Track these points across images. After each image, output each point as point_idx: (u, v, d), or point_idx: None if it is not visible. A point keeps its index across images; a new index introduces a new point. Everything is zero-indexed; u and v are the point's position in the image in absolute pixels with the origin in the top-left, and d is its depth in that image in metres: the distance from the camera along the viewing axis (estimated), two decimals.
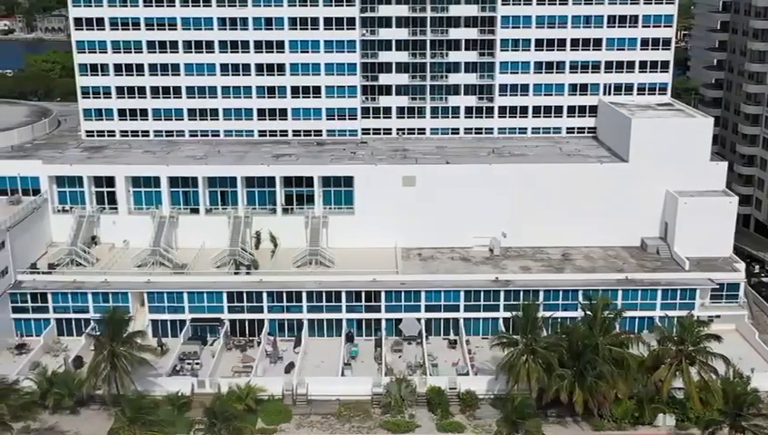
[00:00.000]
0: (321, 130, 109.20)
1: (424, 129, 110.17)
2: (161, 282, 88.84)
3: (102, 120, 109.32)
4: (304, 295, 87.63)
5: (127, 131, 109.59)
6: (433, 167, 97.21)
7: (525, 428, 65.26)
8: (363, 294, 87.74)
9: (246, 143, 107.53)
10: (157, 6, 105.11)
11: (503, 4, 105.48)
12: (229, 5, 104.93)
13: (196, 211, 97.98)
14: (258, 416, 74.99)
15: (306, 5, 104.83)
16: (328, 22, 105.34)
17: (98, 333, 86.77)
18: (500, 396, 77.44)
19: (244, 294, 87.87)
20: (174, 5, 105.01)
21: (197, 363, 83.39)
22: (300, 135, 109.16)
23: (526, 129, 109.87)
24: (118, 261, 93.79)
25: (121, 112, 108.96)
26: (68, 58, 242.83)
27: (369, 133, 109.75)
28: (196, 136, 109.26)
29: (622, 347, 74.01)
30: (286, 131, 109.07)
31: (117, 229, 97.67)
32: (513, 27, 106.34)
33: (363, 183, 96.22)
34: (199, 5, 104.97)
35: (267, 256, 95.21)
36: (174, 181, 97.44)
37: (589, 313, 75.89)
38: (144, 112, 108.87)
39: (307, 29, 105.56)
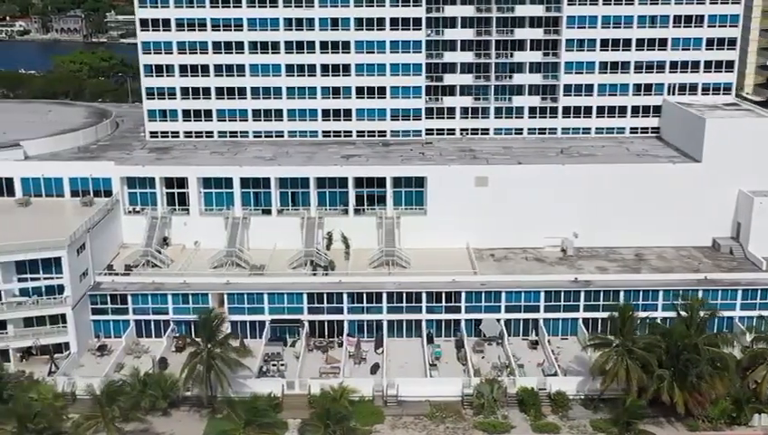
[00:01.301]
0: (385, 131, 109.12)
1: (487, 129, 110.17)
2: (241, 283, 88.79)
3: (167, 120, 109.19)
4: (384, 296, 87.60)
5: (191, 132, 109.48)
6: (506, 167, 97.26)
7: (636, 429, 65.23)
8: (444, 295, 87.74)
9: (311, 144, 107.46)
10: (223, 7, 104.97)
11: (568, 5, 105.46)
12: (296, 6, 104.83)
13: (267, 212, 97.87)
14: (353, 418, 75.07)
15: (373, 6, 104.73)
16: (394, 22, 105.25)
17: (177, 335, 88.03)
18: (592, 396, 77.62)
19: (325, 295, 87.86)
20: (240, 6, 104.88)
21: (282, 365, 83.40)
22: (364, 135, 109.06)
23: (590, 129, 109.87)
24: (192, 262, 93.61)
25: (186, 113, 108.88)
26: (95, 59, 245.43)
27: (432, 134, 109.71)
28: (260, 137, 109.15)
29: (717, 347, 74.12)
30: (350, 132, 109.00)
31: (188, 230, 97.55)
32: (578, 27, 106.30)
33: (436, 184, 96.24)
34: (266, 6, 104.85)
35: (339, 256, 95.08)
36: (245, 182, 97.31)
37: (683, 313, 75.91)
38: (208, 113, 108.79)
39: (373, 29, 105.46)
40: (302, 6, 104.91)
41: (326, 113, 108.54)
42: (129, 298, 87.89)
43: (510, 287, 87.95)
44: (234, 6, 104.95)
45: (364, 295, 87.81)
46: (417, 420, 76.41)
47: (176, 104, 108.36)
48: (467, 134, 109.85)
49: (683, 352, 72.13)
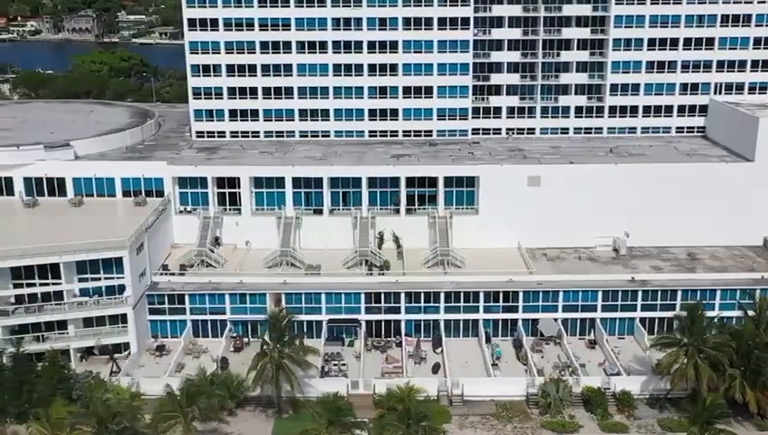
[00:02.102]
0: (431, 131, 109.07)
1: (533, 129, 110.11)
2: (298, 283, 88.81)
3: (213, 120, 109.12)
4: (442, 296, 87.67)
5: (237, 132, 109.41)
6: (559, 167, 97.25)
7: (715, 429, 65.25)
8: (501, 295, 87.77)
9: (357, 144, 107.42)
10: (271, 7, 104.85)
11: (616, 4, 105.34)
12: (344, 6, 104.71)
13: (319, 212, 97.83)
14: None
15: (421, 6, 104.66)
16: (442, 22, 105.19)
17: (234, 335, 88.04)
18: (657, 396, 77.72)
19: (382, 295, 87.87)
20: (288, 6, 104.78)
21: (344, 364, 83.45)
22: (410, 135, 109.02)
23: (635, 128, 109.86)
24: (245, 262, 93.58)
25: (232, 113, 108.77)
26: (114, 59, 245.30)
27: (477, 133, 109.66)
28: (306, 136, 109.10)
29: None
30: (396, 132, 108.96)
31: (239, 230, 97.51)
32: (626, 27, 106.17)
33: (488, 183, 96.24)
34: (314, 6, 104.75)
35: (389, 256, 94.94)
36: (296, 182, 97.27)
37: (751, 312, 75.97)
38: (255, 113, 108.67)
39: (421, 29, 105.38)
40: (350, 6, 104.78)
41: (372, 113, 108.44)
42: (187, 298, 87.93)
43: (567, 287, 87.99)
44: (282, 6, 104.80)
45: (422, 295, 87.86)
46: (484, 419, 76.47)
47: (222, 104, 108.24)
48: (513, 134, 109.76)
49: (754, 351, 72.12)
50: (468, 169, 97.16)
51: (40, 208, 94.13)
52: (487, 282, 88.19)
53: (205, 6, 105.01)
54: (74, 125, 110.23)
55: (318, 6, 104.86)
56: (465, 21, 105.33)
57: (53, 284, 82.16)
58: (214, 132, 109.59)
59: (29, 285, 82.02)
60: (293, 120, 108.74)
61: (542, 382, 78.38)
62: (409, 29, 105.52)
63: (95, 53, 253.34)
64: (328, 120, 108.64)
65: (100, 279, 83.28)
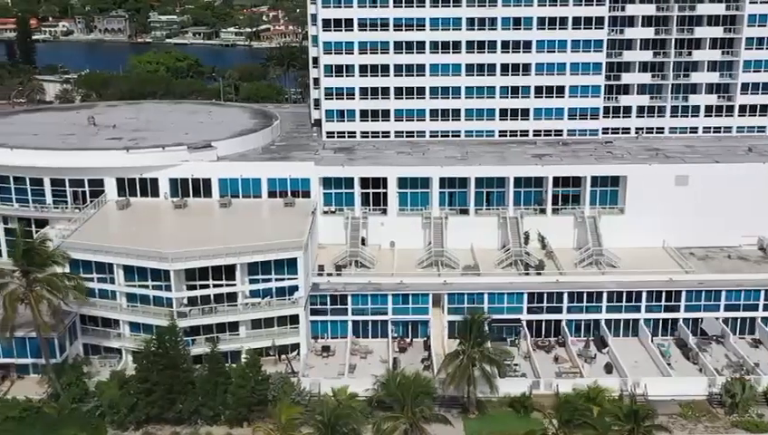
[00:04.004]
0: (561, 130, 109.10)
1: (662, 128, 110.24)
2: (459, 283, 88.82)
3: (344, 121, 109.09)
4: (604, 296, 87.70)
5: (367, 132, 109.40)
6: (706, 166, 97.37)
7: None
8: (663, 294, 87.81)
9: (489, 143, 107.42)
10: (407, 7, 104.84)
11: (750, 3, 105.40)
12: (479, 6, 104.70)
13: (465, 212, 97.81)
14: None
15: (556, 5, 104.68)
16: (576, 21, 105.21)
17: (396, 335, 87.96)
18: None
19: (545, 295, 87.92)
20: (424, 6, 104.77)
21: (516, 364, 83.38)
22: (540, 134, 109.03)
23: (765, 127, 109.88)
24: (396, 262, 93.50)
25: (363, 113, 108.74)
26: (170, 59, 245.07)
27: (607, 132, 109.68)
28: (437, 136, 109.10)
29: None
30: (527, 131, 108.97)
31: (384, 231, 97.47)
32: (759, 26, 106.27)
33: (636, 182, 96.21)
34: (449, 6, 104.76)
35: (537, 256, 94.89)
36: (441, 182, 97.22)
37: None
38: (386, 113, 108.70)
39: (555, 29, 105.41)
40: (485, 6, 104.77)
41: (503, 113, 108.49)
42: (349, 298, 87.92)
43: (729, 286, 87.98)
44: (417, 6, 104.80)
45: (584, 295, 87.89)
46: (671, 419, 76.29)
47: (354, 104, 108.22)
48: (642, 133, 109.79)
49: None
50: (615, 169, 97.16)
51: (190, 209, 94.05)
52: (648, 281, 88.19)
53: (340, 7, 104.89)
54: (202, 126, 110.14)
55: (453, 6, 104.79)
56: (600, 20, 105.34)
57: (227, 285, 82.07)
58: (344, 132, 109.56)
59: (202, 287, 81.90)
60: (424, 120, 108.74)
61: (723, 382, 78.34)
62: (543, 29, 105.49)
63: (150, 54, 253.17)
64: (459, 119, 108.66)
65: (271, 280, 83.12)
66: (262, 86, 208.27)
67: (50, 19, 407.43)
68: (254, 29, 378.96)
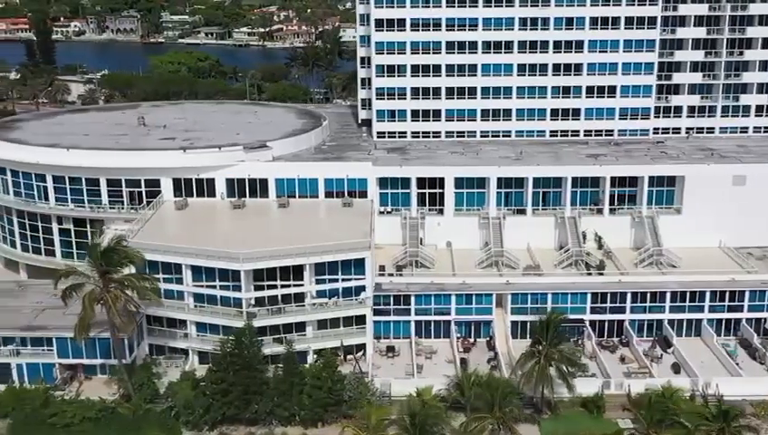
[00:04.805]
0: (612, 130, 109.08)
1: (713, 128, 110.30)
2: (522, 283, 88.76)
3: (395, 121, 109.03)
4: (668, 296, 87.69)
5: (418, 132, 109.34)
6: (764, 166, 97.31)
7: None
8: (727, 294, 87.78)
9: (540, 143, 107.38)
10: (459, 7, 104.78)
11: None
12: (531, 6, 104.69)
13: (522, 212, 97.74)
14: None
15: (609, 5, 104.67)
16: (629, 21, 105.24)
17: (459, 336, 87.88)
18: None
19: (608, 295, 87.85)
20: (477, 6, 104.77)
21: (583, 364, 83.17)
22: (590, 134, 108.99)
23: None
24: (455, 263, 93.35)
25: (414, 113, 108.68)
26: (191, 59, 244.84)
27: (657, 132, 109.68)
28: (487, 136, 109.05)
29: None
30: (577, 131, 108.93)
31: (440, 231, 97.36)
32: None
33: (694, 182, 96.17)
34: (502, 6, 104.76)
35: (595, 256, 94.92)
36: (497, 182, 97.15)
37: None
38: (437, 113, 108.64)
39: (607, 29, 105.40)
40: (537, 6, 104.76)
41: (554, 113, 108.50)
42: (413, 298, 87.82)
43: None
44: (470, 6, 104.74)
45: (648, 295, 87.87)
46: (745, 419, 76.20)
47: (405, 104, 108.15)
48: (693, 133, 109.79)
49: None
50: (673, 169, 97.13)
51: (248, 210, 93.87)
52: (710, 281, 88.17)
53: (393, 7, 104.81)
54: (252, 126, 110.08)
55: (506, 6, 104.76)
56: (652, 20, 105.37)
57: (295, 285, 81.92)
58: (395, 133, 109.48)
59: (270, 287, 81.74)
60: (475, 120, 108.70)
61: None
62: (596, 28, 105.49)
63: (171, 54, 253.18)
64: (509, 119, 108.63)
65: (337, 280, 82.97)
66: (287, 86, 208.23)
67: (61, 19, 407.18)
68: (268, 29, 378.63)
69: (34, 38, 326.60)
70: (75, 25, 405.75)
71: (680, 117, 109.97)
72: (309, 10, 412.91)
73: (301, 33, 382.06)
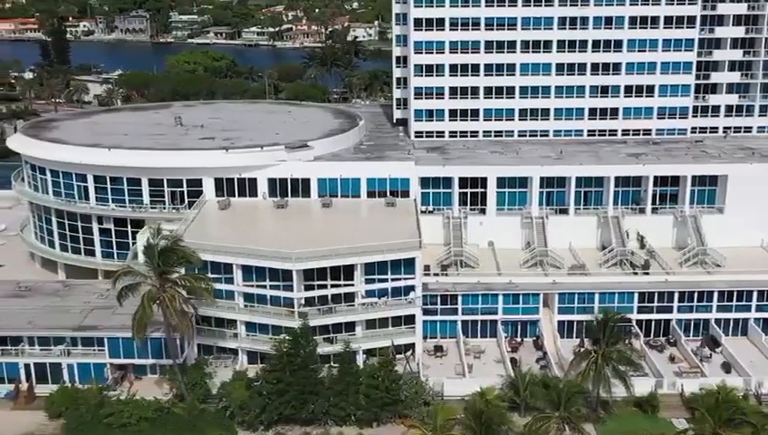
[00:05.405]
0: (649, 129, 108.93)
1: (750, 127, 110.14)
2: (568, 283, 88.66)
3: (432, 120, 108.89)
4: (715, 295, 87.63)
5: (455, 132, 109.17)
6: None
7: None
8: None
9: (578, 142, 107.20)
10: (498, 6, 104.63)
11: None
12: (571, 5, 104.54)
13: (564, 211, 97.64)
14: None
15: (648, 4, 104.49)
16: (668, 20, 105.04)
17: (506, 335, 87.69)
18: None
19: (655, 295, 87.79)
20: (516, 5, 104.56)
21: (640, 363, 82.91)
22: (628, 133, 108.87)
23: None
24: (498, 262, 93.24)
25: (452, 113, 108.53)
26: (207, 59, 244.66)
27: (694, 132, 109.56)
28: (525, 136, 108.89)
29: None
30: (615, 131, 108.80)
31: (483, 230, 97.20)
32: None
33: (737, 182, 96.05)
34: (541, 5, 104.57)
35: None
36: (540, 181, 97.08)
37: None
38: (475, 113, 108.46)
39: (646, 28, 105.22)
40: (577, 5, 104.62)
41: (592, 112, 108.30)
42: (459, 298, 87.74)
43: None
44: (509, 6, 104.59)
45: (695, 294, 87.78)
46: None
47: (443, 104, 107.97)
48: (731, 132, 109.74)
49: None
50: (716, 168, 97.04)
51: (291, 209, 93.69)
52: (757, 280, 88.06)
53: (432, 6, 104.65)
54: (290, 126, 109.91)
55: (545, 6, 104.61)
56: (692, 19, 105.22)
57: (345, 285, 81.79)
58: (432, 132, 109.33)
59: (319, 287, 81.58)
60: (513, 119, 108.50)
61: None
62: (635, 28, 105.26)
63: (186, 53, 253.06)
64: (547, 119, 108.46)
65: (386, 280, 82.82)
66: (306, 86, 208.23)
67: (70, 19, 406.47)
68: (278, 29, 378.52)
69: (43, 38, 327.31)
70: (84, 25, 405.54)
71: (717, 116, 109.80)
72: (317, 10, 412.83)
73: (310, 32, 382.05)
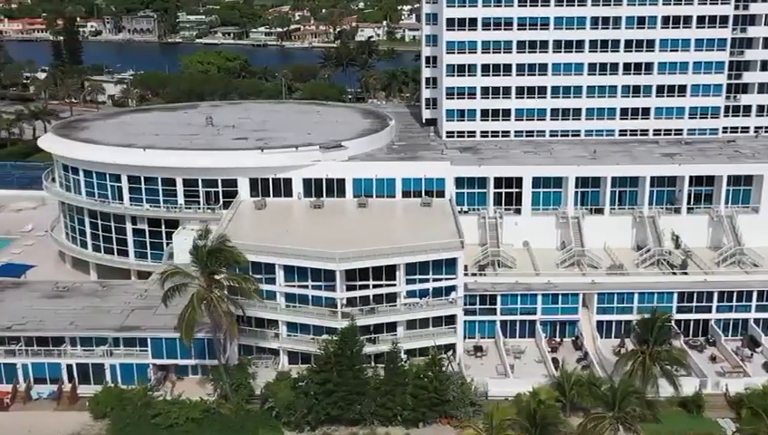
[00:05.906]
0: (681, 129, 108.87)
1: None
2: (607, 283, 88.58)
3: (464, 120, 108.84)
4: (754, 295, 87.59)
5: (487, 132, 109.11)
6: None
7: None
8: None
9: (610, 142, 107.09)
10: (531, 6, 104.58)
11: None
12: (603, 5, 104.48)
13: (599, 211, 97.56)
14: None
15: (681, 4, 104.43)
16: (701, 20, 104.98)
17: (546, 336, 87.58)
18: None
19: (694, 295, 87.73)
20: (548, 5, 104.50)
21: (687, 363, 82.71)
22: (659, 133, 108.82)
23: None
24: (535, 262, 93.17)
25: (484, 113, 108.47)
26: (220, 59, 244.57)
27: (726, 132, 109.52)
28: (556, 136, 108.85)
29: None
30: (646, 130, 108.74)
31: (517, 230, 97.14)
32: None
33: None
34: (574, 5, 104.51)
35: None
36: (575, 181, 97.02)
37: None
38: (506, 113, 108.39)
39: (679, 28, 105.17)
40: (609, 5, 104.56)
41: (624, 112, 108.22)
42: (499, 298, 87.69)
43: None
44: (542, 5, 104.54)
45: (734, 294, 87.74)
46: None
47: (475, 104, 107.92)
48: (762, 132, 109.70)
49: None
50: (753, 168, 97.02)
51: (327, 209, 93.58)
52: None
53: (465, 6, 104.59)
54: (321, 126, 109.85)
55: (578, 6, 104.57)
56: (724, 19, 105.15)
57: (387, 285, 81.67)
58: (464, 132, 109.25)
59: (361, 287, 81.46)
60: (545, 119, 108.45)
61: None
62: (667, 27, 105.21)
63: (200, 54, 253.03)
64: (579, 119, 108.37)
65: (428, 280, 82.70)
66: (324, 86, 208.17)
67: (78, 19, 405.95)
68: (286, 29, 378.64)
69: (51, 38, 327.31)
70: (92, 26, 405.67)
71: (749, 116, 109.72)
72: (324, 10, 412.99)
73: (318, 33, 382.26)
